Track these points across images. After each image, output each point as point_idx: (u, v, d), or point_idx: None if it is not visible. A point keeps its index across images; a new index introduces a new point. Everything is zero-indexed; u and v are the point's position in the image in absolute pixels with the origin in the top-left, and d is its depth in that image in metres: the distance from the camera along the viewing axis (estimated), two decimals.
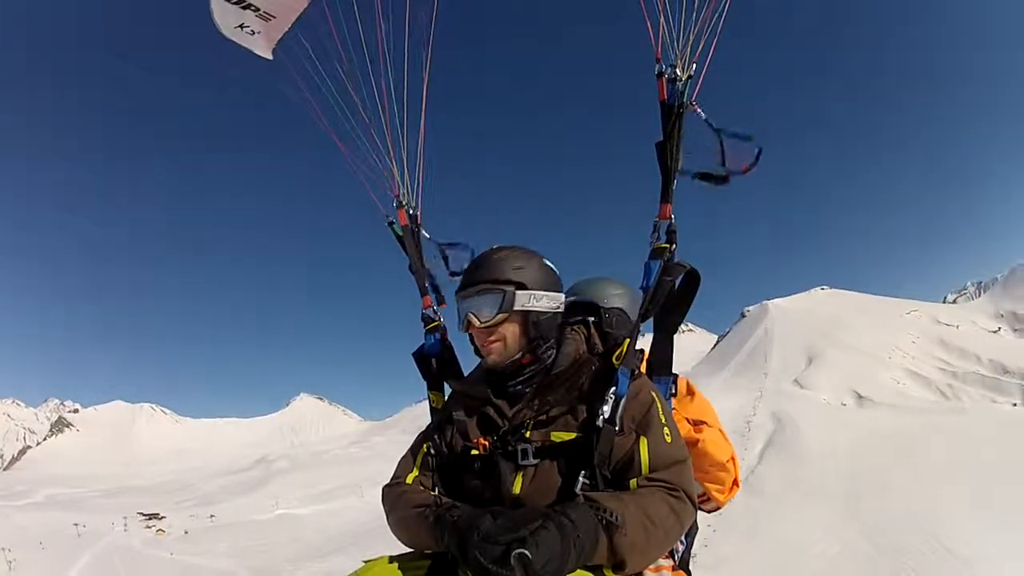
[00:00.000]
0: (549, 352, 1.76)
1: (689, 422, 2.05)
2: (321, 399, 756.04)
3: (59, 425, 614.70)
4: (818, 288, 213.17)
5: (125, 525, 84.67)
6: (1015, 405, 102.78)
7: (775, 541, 38.74)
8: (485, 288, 1.69)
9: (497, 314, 1.67)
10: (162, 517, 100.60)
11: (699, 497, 1.99)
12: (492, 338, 1.71)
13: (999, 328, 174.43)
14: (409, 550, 1.64)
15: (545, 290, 1.73)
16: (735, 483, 2.13)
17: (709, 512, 2.14)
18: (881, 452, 57.85)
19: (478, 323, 1.70)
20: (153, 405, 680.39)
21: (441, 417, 1.85)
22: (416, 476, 1.79)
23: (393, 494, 1.75)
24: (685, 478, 1.57)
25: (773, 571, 33.62)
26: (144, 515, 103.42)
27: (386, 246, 2.38)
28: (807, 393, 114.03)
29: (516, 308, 1.68)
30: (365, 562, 1.58)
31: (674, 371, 2.06)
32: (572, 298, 2.09)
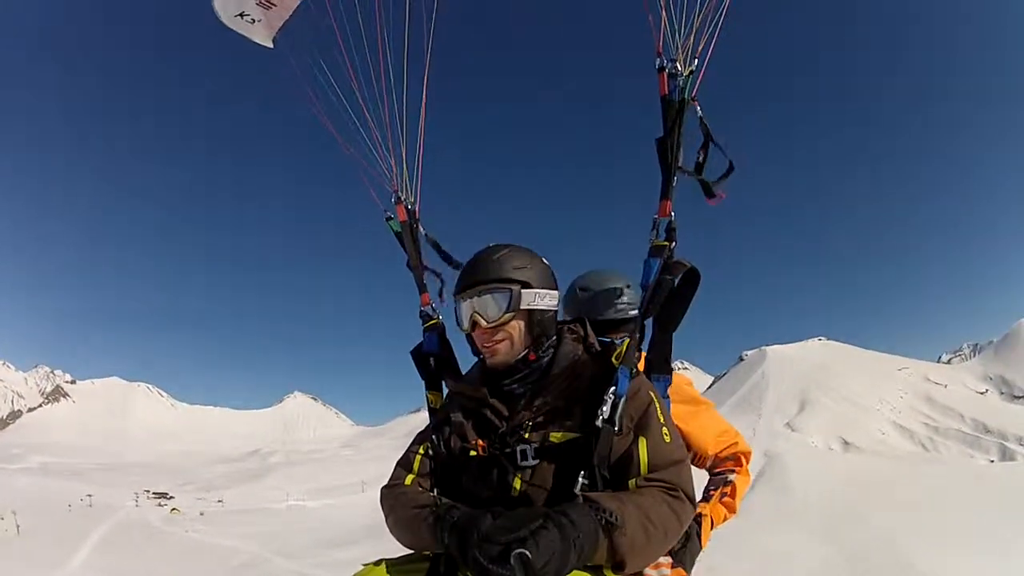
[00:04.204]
0: (549, 350, 1.76)
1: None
2: (315, 399, 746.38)
3: (55, 394, 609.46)
4: (816, 338, 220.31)
5: (136, 501, 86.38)
6: (992, 461, 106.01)
7: (760, 554, 43.39)
8: (491, 287, 1.68)
9: (505, 313, 1.67)
10: (171, 497, 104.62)
11: (736, 453, 2.23)
12: (498, 337, 1.70)
13: (986, 390, 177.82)
14: (408, 551, 1.63)
15: (547, 288, 1.73)
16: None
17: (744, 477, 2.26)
18: (862, 491, 62.47)
19: (484, 323, 1.68)
20: (149, 385, 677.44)
21: (439, 418, 1.84)
22: (414, 477, 1.77)
23: (392, 495, 1.73)
24: (684, 478, 1.56)
25: None
26: (154, 494, 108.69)
27: (391, 250, 2.35)
28: (797, 436, 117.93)
29: (522, 307, 1.68)
30: (364, 565, 1.58)
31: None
32: (586, 294, 2.40)
